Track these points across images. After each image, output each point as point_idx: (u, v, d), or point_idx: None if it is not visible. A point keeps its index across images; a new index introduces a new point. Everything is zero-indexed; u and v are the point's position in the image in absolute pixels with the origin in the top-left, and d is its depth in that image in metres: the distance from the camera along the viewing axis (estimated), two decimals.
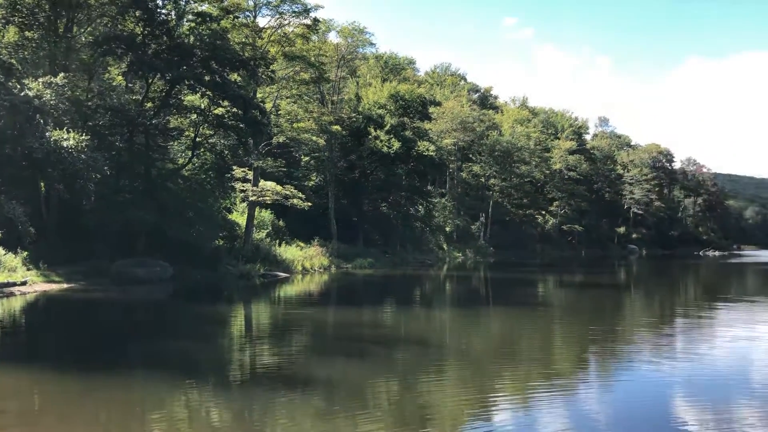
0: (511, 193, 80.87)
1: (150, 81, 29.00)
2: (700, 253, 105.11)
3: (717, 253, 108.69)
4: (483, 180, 76.04)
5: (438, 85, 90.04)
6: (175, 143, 32.70)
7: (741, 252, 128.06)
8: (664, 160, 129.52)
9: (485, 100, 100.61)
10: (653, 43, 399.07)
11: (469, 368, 12.18)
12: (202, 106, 29.73)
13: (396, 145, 47.23)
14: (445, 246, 60.21)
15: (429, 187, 61.45)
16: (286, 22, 35.06)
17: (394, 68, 79.97)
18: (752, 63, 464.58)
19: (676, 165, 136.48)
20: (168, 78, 28.21)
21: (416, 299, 25.82)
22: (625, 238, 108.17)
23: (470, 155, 74.14)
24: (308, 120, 38.76)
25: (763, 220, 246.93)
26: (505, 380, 11.19)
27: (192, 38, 28.94)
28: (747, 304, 25.22)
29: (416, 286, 31.65)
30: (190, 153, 31.15)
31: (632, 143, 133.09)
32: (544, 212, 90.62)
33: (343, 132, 46.14)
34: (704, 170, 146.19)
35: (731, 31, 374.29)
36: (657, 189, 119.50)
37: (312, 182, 46.64)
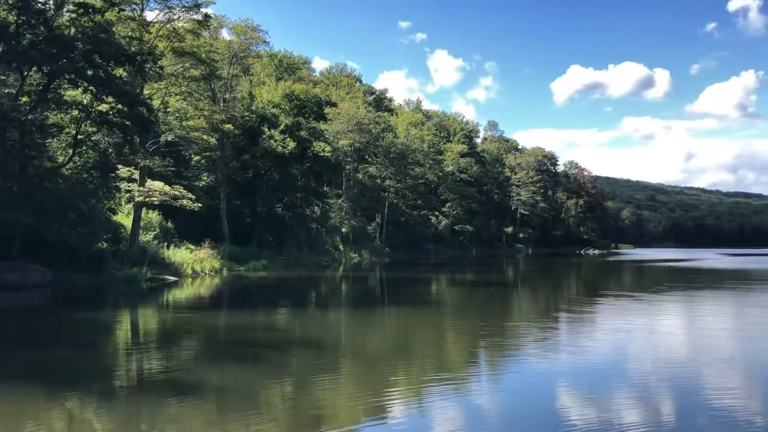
0: (406, 195, 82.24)
1: (25, 74, 27.08)
2: (581, 251, 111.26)
3: (596, 251, 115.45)
4: (379, 181, 76.86)
5: (334, 85, 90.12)
6: (54, 140, 30.72)
7: (618, 250, 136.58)
8: (548, 164, 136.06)
9: (380, 102, 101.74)
10: (538, 51, 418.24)
11: (363, 367, 12.22)
12: (85, 102, 28.11)
13: (291, 145, 46.80)
14: (341, 247, 60.29)
15: (325, 188, 61.35)
16: (176, 17, 33.79)
17: (288, 67, 79.25)
18: (628, 72, 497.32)
19: (560, 168, 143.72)
20: (46, 71, 26.48)
21: (311, 301, 25.66)
22: (513, 238, 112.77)
23: (366, 157, 74.72)
24: (199, 118, 37.55)
25: (638, 220, 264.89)
26: (400, 378, 11.32)
27: (73, 30, 27.27)
28: (624, 299, 26.93)
29: (311, 287, 31.47)
30: (71, 151, 29.38)
31: (519, 147, 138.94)
32: (437, 213, 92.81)
33: (236, 131, 45.20)
34: (585, 173, 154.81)
35: (609, 43, 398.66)
36: (542, 191, 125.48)
37: (203, 182, 45.30)
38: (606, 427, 8.23)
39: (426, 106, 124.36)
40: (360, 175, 74.69)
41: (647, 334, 16.66)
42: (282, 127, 47.82)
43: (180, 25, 34.21)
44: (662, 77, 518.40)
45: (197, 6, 33.45)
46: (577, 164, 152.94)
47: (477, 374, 11.88)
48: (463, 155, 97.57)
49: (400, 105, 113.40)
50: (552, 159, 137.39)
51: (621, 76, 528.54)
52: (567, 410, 9.17)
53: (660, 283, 37.02)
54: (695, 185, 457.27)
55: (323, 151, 51.44)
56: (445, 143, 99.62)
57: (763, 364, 12.71)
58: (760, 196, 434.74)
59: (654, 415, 8.87)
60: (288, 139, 46.86)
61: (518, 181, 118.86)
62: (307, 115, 55.17)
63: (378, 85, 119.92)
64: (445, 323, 19.13)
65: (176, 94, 37.51)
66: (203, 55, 35.63)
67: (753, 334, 16.56)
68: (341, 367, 12.15)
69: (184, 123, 36.68)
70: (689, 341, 15.59)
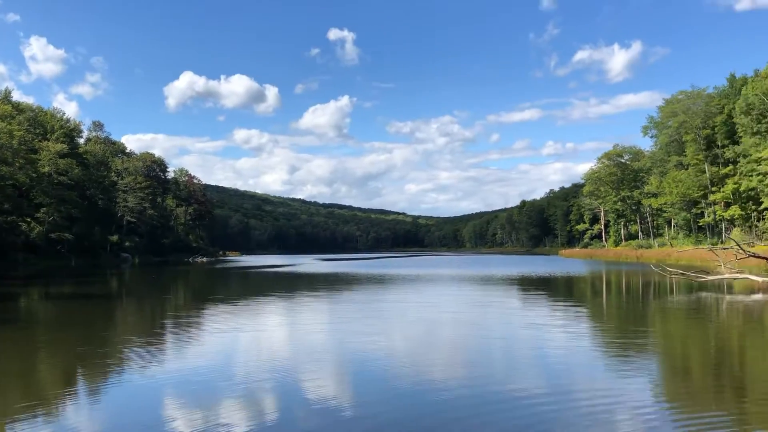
0: None
1: None
2: (190, 259, 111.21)
3: (205, 259, 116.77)
4: None
5: None
6: None
7: (226, 258, 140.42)
8: (158, 170, 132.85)
9: None
10: (151, 52, 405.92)
11: None
12: None
13: None
14: None
15: None
16: None
17: None
18: (240, 85, 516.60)
19: (170, 175, 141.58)
20: None
21: None
22: (119, 246, 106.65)
23: None
24: None
25: (245, 228, 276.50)
26: None
27: None
28: (229, 304, 27.63)
29: None
30: None
31: (128, 151, 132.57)
32: (29, 219, 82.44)
33: None
34: (195, 181, 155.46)
35: (223, 54, 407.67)
36: (151, 197, 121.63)
37: None
38: (210, 430, 8.21)
39: (19, 97, 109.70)
40: None
41: (252, 336, 17.34)
42: None
43: None
44: (272, 93, 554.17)
45: None
46: (187, 172, 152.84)
47: (72, 394, 10.71)
48: (62, 156, 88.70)
49: None
50: (162, 165, 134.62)
51: (234, 88, 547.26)
52: (171, 420, 8.87)
53: (263, 288, 39.11)
54: (297, 196, 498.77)
55: None
56: (40, 141, 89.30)
57: (352, 354, 14.29)
58: (350, 208, 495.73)
59: (258, 413, 9.18)
60: None
61: (125, 187, 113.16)
62: None
63: None
64: (37, 342, 16.92)
65: None
66: None
67: (342, 329, 18.54)
68: None
69: None
70: (290, 340, 16.70)
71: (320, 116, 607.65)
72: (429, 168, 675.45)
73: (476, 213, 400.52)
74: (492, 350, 14.78)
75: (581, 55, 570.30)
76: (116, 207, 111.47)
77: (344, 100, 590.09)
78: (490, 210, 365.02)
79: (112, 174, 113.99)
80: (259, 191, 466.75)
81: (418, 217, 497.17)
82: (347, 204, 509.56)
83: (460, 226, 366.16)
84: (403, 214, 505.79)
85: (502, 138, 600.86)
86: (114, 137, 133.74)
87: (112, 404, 10.04)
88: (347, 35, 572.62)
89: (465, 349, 15.05)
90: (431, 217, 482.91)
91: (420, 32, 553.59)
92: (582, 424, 8.25)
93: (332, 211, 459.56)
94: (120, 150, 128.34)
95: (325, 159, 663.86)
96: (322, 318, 22.17)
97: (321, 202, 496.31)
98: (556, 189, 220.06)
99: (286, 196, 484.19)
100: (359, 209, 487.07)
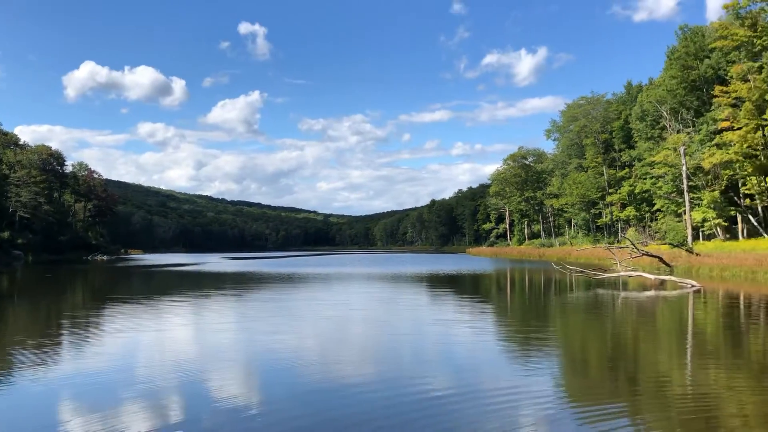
0: None
1: None
2: (89, 257, 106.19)
3: (105, 257, 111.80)
4: None
5: None
6: None
7: (128, 256, 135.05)
8: (55, 163, 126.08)
9: None
10: (48, 37, 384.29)
11: None
12: None
13: None
14: None
15: None
16: None
17: None
18: (145, 77, 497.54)
19: (68, 169, 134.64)
20: None
21: None
22: (10, 243, 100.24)
23: None
24: None
25: (149, 225, 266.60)
26: None
27: None
28: (131, 304, 26.52)
29: None
30: None
31: (21, 142, 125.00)
32: None
33: None
34: (95, 176, 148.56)
35: (126, 44, 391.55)
36: (47, 192, 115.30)
37: None
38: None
39: None
40: None
41: (155, 336, 16.73)
42: None
43: None
44: (179, 86, 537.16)
45: None
46: (87, 166, 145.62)
47: None
48: None
49: None
50: (59, 158, 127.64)
51: (138, 80, 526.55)
52: (64, 423, 8.37)
53: (166, 287, 37.84)
54: (204, 193, 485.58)
55: None
56: None
57: (260, 354, 14.01)
58: (259, 205, 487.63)
59: (161, 415, 8.83)
60: None
61: (18, 181, 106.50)
62: None
63: None
64: None
65: None
66: None
67: (250, 329, 18.18)
68: None
69: None
70: (195, 340, 16.21)
71: (230, 111, 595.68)
72: (341, 166, 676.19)
73: (387, 212, 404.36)
74: (401, 347, 14.89)
75: (490, 58, 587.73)
76: (7, 202, 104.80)
77: (255, 95, 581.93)
78: (401, 209, 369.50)
79: (3, 167, 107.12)
80: (163, 187, 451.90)
81: (330, 215, 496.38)
82: (257, 201, 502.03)
83: (372, 225, 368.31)
84: (315, 212, 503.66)
85: (413, 138, 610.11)
86: (5, 128, 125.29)
87: (2, 408, 9.37)
88: (259, 29, 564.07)
89: (375, 346, 15.11)
90: (343, 215, 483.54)
91: (333, 30, 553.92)
92: (487, 420, 8.43)
93: (241, 208, 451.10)
94: (12, 141, 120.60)
95: (234, 155, 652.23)
96: (228, 317, 21.66)
97: (229, 199, 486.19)
98: (464, 189, 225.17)
99: (192, 192, 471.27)
100: (269, 207, 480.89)
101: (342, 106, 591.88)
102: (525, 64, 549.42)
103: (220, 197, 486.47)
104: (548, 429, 8.17)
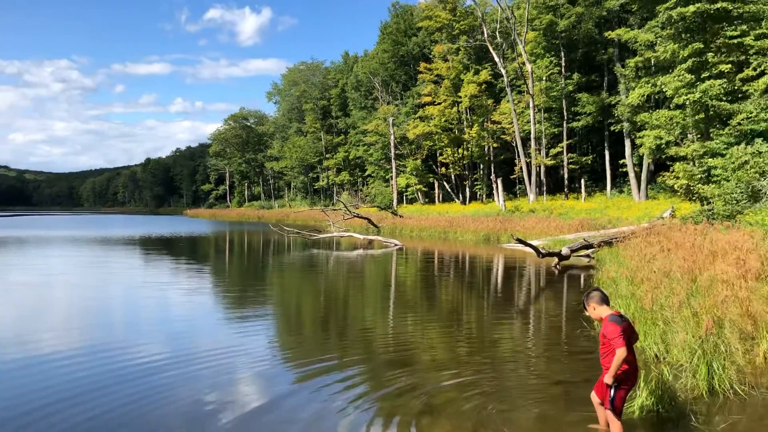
0: None
1: None
2: None
3: None
4: None
5: None
6: None
7: None
8: None
9: None
10: None
11: None
12: None
13: None
14: None
15: None
16: None
17: None
18: None
19: None
20: None
21: None
22: None
23: None
24: None
25: None
26: None
27: None
28: None
29: None
30: None
31: None
32: None
33: None
34: None
35: None
36: None
37: None
38: None
39: None
40: None
41: None
42: None
43: None
44: None
45: None
46: None
47: None
48: None
49: None
50: None
51: None
52: None
53: None
54: None
55: None
56: None
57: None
58: None
59: None
60: None
61: None
62: None
63: None
64: None
65: None
66: None
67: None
68: None
69: None
70: None
71: None
72: (41, 117, 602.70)
73: (97, 169, 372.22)
74: (111, 314, 13.90)
75: (213, 13, 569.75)
76: None
77: None
78: (113, 167, 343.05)
79: None
80: None
81: (25, 171, 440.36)
82: None
83: (78, 184, 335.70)
84: (6, 167, 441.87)
85: (128, 90, 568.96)
86: None
87: None
88: None
89: (80, 314, 13.83)
90: (42, 172, 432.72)
91: None
92: (205, 385, 8.26)
93: None
94: None
95: None
96: None
97: None
98: (183, 148, 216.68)
99: None
100: None
101: (44, 48, 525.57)
102: (249, 23, 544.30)
103: None
104: (263, 386, 8.31)
